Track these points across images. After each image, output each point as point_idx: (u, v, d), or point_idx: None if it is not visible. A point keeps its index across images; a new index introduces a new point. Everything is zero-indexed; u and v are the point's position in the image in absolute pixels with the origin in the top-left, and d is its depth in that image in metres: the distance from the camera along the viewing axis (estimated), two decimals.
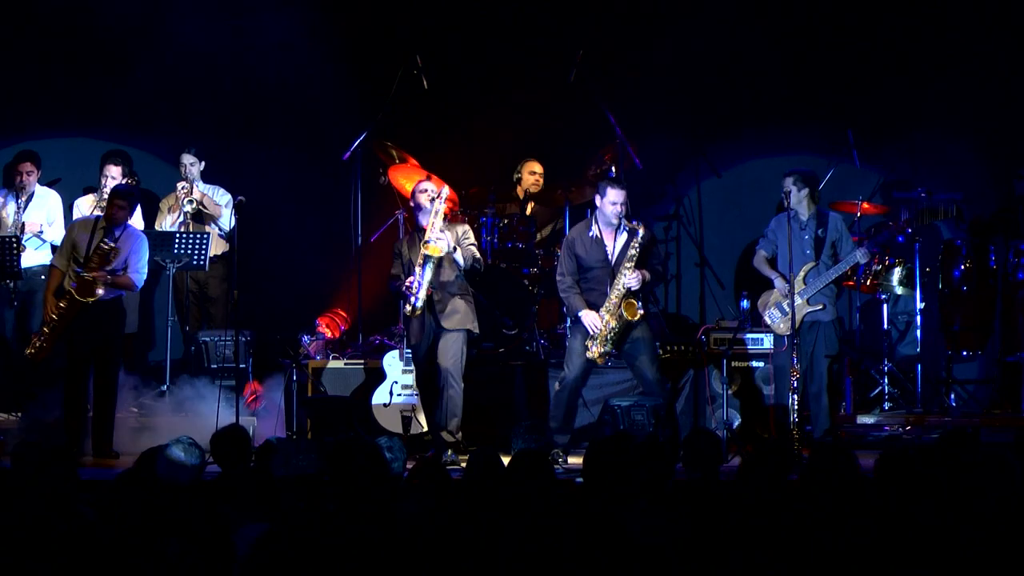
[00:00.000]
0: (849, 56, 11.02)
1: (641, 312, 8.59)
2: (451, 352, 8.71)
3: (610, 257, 8.71)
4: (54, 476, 5.24)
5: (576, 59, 10.52)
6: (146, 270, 9.08)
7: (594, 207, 8.85)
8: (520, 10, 11.14)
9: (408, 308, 8.74)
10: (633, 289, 8.60)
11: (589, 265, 8.76)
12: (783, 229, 8.96)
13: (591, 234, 8.76)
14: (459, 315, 8.76)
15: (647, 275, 8.64)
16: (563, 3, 11.16)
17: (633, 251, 8.59)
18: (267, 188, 10.81)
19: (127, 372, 9.55)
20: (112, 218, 8.91)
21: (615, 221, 8.68)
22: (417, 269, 8.68)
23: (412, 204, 8.98)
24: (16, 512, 4.92)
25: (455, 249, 8.64)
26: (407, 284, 8.72)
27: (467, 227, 9.00)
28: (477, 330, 8.91)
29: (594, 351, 8.63)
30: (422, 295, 8.66)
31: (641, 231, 8.61)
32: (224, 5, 10.93)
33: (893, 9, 10.97)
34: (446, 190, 8.97)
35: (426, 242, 8.61)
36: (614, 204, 8.64)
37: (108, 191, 10.16)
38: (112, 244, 8.83)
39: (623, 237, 8.70)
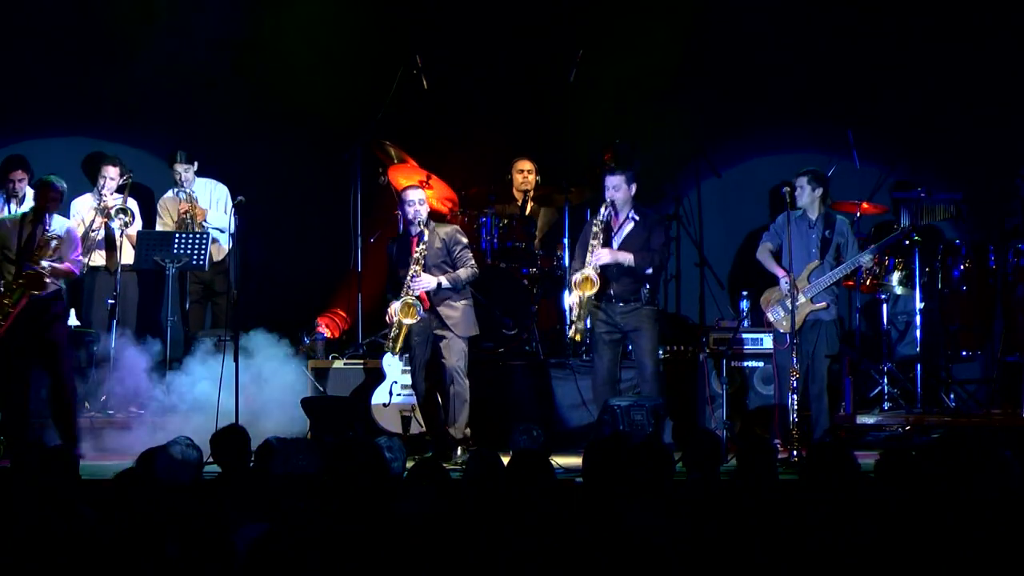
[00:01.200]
0: (849, 56, 11.02)
1: (596, 287, 8.67)
2: (454, 351, 8.74)
3: (614, 243, 8.81)
4: (54, 475, 5.25)
5: (576, 59, 10.52)
6: (81, 257, 9.17)
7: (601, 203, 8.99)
8: (520, 10, 11.14)
9: (388, 344, 8.84)
10: (600, 263, 8.70)
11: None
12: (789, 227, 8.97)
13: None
14: (459, 321, 8.77)
15: (623, 256, 8.73)
16: (563, 3, 11.15)
17: (596, 228, 8.76)
18: (267, 188, 10.81)
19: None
20: (45, 210, 8.96)
21: (611, 206, 8.82)
22: (395, 319, 8.68)
23: (399, 210, 9.00)
24: (15, 512, 4.92)
25: (438, 286, 8.67)
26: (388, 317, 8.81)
27: (457, 233, 8.94)
28: (477, 331, 8.95)
29: (571, 331, 8.88)
30: (397, 348, 8.76)
31: (635, 219, 8.81)
32: (223, 4, 10.93)
33: (893, 9, 10.97)
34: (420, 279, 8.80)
35: (405, 302, 8.64)
36: (606, 189, 8.87)
37: (106, 191, 10.23)
38: (55, 234, 8.88)
39: (630, 224, 8.84)
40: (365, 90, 10.93)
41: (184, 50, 10.83)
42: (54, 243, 8.85)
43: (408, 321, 8.64)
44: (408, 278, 8.66)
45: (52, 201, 8.97)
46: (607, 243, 8.83)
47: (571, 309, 8.87)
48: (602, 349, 8.84)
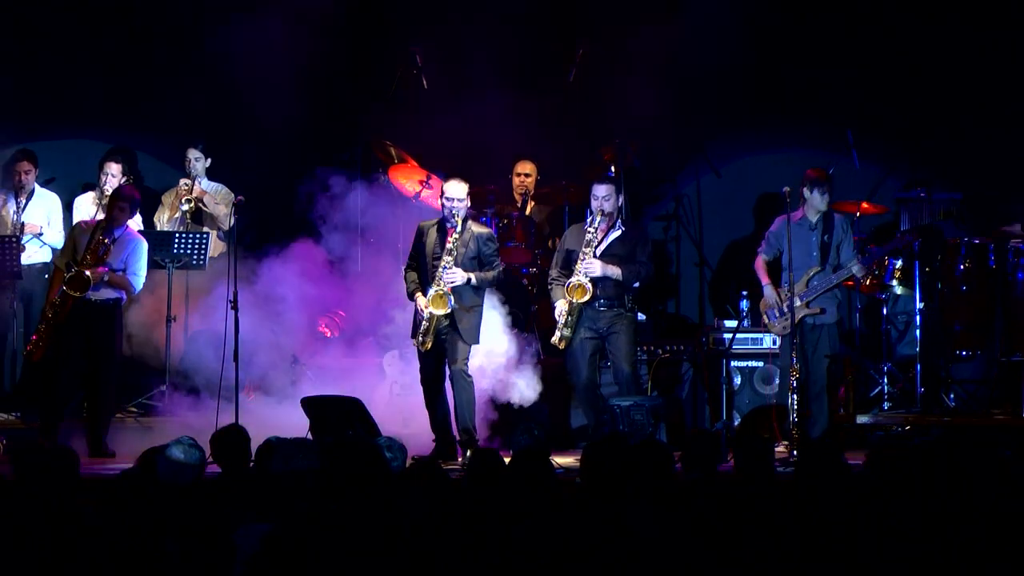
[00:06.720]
0: (849, 55, 11.02)
1: (588, 295, 8.71)
2: (459, 353, 8.73)
3: (596, 251, 8.83)
4: (55, 475, 5.24)
5: (576, 59, 10.52)
6: (144, 273, 9.16)
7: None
8: (520, 9, 11.13)
9: (417, 340, 8.75)
10: (592, 275, 8.72)
11: (579, 255, 8.90)
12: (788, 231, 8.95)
13: (584, 227, 8.89)
14: (469, 326, 8.75)
15: (611, 270, 8.76)
16: (563, 3, 11.15)
17: (589, 236, 8.74)
18: (267, 188, 10.80)
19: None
20: (113, 219, 8.96)
21: (598, 215, 8.84)
22: (426, 311, 8.66)
23: (440, 204, 8.94)
24: (17, 512, 4.92)
25: (468, 281, 8.68)
26: (418, 314, 8.76)
27: (491, 236, 8.94)
28: (479, 340, 8.96)
29: (555, 337, 8.84)
30: (429, 342, 8.70)
31: (621, 228, 8.84)
32: (224, 4, 10.93)
33: (893, 9, 10.97)
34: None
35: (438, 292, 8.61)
36: (595, 199, 8.89)
37: (108, 188, 10.18)
38: (108, 242, 8.85)
39: (616, 233, 8.83)
40: (365, 90, 10.93)
41: (185, 51, 10.83)
42: (105, 252, 8.83)
43: (440, 312, 8.61)
44: (440, 269, 8.64)
45: (120, 211, 8.98)
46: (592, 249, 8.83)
47: (560, 315, 8.84)
48: (580, 352, 8.86)
